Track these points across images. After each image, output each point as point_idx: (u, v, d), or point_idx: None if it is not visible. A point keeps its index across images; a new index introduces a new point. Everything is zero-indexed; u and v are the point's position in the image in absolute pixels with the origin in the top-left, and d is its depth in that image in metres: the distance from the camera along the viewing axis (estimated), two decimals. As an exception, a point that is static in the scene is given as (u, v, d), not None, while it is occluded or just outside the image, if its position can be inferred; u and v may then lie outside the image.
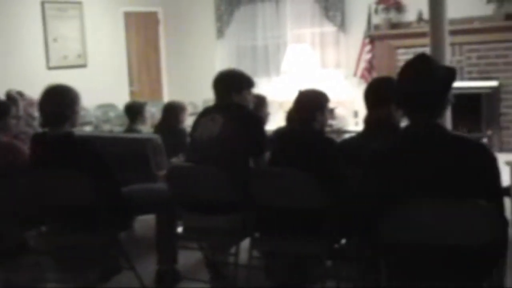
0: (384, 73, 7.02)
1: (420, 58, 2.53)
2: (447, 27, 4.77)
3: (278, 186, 3.17)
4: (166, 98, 8.88)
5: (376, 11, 8.24)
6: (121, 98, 8.16)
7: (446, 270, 2.41)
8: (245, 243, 3.47)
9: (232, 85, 3.77)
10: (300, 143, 3.34)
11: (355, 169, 2.74)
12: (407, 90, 2.48)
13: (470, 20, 7.61)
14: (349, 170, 2.91)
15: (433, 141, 2.43)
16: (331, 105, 8.50)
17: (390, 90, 2.71)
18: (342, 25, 8.64)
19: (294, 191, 3.12)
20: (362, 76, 8.18)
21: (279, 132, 3.60)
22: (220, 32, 9.59)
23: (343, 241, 3.23)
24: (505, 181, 4.50)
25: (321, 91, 3.67)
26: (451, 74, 2.55)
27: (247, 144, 3.57)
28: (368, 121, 3.14)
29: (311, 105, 3.48)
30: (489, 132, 7.56)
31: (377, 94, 3.10)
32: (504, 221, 2.45)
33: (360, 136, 3.17)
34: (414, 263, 2.45)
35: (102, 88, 8.36)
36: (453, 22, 7.28)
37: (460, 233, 2.37)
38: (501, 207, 2.46)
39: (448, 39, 4.78)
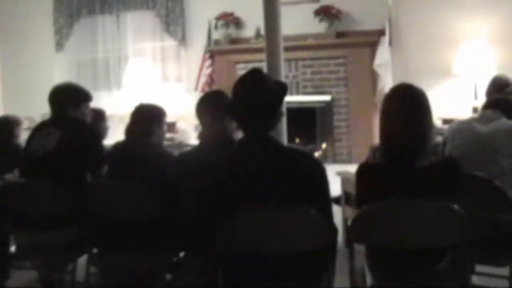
0: (224, 87, 7.12)
1: (253, 73, 2.60)
2: (282, 43, 4.94)
3: (115, 199, 3.12)
4: (2, 112, 8.39)
5: (216, 27, 8.36)
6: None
7: (279, 277, 2.48)
8: (83, 259, 3.36)
9: (69, 99, 3.70)
10: (137, 156, 3.31)
11: (192, 182, 2.76)
12: (241, 103, 2.54)
13: (304, 37, 7.94)
14: (187, 183, 2.91)
15: (265, 152, 2.50)
16: (172, 119, 8.50)
17: (223, 104, 2.76)
18: (183, 40, 8.67)
19: (131, 204, 3.08)
20: (203, 90, 8.23)
21: (117, 145, 3.53)
22: (59, 45, 9.25)
23: (182, 253, 3.22)
24: (336, 190, 4.78)
25: (158, 105, 3.67)
26: (282, 88, 2.64)
27: (84, 158, 3.49)
28: (202, 135, 3.16)
29: (148, 119, 3.46)
30: (323, 145, 7.93)
31: (210, 108, 3.13)
32: (333, 228, 2.57)
33: (196, 149, 3.19)
34: (249, 271, 2.50)
35: None
36: (288, 38, 7.54)
37: (291, 241, 2.46)
38: (329, 215, 2.58)
39: (283, 55, 4.94)
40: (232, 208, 2.41)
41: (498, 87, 4.71)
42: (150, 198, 3.02)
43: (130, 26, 9.03)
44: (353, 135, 7.64)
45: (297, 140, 7.97)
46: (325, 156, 7.93)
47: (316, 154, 8.00)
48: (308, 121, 8.00)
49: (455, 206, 2.44)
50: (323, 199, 2.56)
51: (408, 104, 2.54)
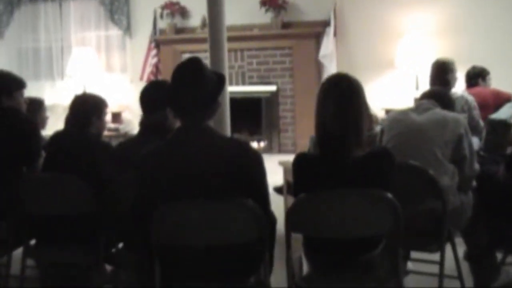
0: (169, 77, 7.07)
1: (191, 62, 2.59)
2: (226, 33, 4.92)
3: (50, 192, 3.06)
4: None
5: (161, 16, 8.29)
6: None
7: (216, 268, 2.49)
8: (19, 252, 3.30)
9: (1, 88, 3.58)
10: (73, 148, 3.26)
11: (129, 172, 2.74)
12: (178, 92, 2.52)
13: (250, 27, 7.96)
14: (123, 174, 2.88)
15: (202, 142, 2.49)
16: (118, 109, 8.40)
17: (165, 93, 2.74)
18: (127, 29, 8.57)
19: (67, 198, 3.03)
20: (148, 80, 8.18)
21: (53, 137, 3.46)
22: (-1, 34, 9.04)
23: (120, 245, 3.20)
24: (279, 180, 4.81)
25: (98, 96, 3.61)
26: (220, 79, 2.64)
27: (18, 150, 3.41)
28: (143, 124, 3.13)
29: (86, 110, 3.41)
30: (269, 136, 7.97)
31: (151, 97, 3.10)
32: (270, 219, 2.59)
33: (135, 139, 3.16)
34: (185, 264, 2.50)
35: None
36: (234, 28, 7.58)
37: (227, 232, 2.46)
38: (266, 205, 2.59)
39: (226, 45, 4.93)
40: (167, 199, 2.40)
41: (441, 70, 4.81)
42: (86, 191, 2.98)
43: (73, 14, 8.87)
44: (298, 126, 7.70)
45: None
46: (270, 146, 7.99)
47: (262, 144, 8.05)
48: (254, 111, 8.04)
49: (388, 195, 2.48)
50: (260, 190, 2.57)
51: (342, 94, 2.57)
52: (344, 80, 2.64)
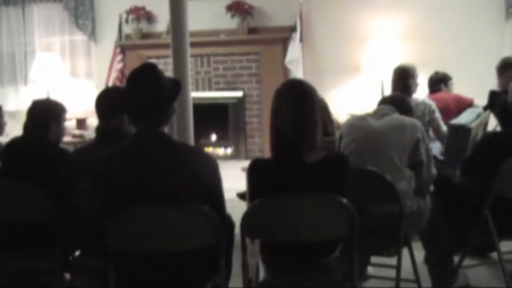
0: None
1: (145, 68, 2.61)
2: (188, 38, 4.95)
3: (7, 200, 3.05)
4: None
5: (127, 21, 8.28)
6: None
7: (173, 274, 2.51)
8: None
9: None
10: (31, 154, 3.26)
11: (85, 179, 2.74)
12: (132, 98, 2.55)
13: (217, 32, 7.98)
14: (80, 181, 2.89)
15: (157, 148, 2.52)
16: (82, 115, 8.34)
17: (121, 99, 2.76)
18: (92, 34, 8.54)
19: (24, 204, 3.03)
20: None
21: (10, 143, 3.45)
22: (-41, 38, 8.93)
23: (78, 252, 3.20)
24: (242, 186, 4.85)
25: (56, 101, 3.62)
26: (175, 85, 2.67)
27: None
28: (99, 130, 3.15)
29: (44, 116, 3.41)
30: (236, 142, 8.01)
31: (107, 103, 3.12)
32: (227, 224, 2.63)
33: (91, 145, 3.17)
34: (141, 270, 2.52)
35: None
36: (201, 34, 7.63)
37: (183, 237, 2.49)
38: (222, 210, 2.63)
39: (189, 50, 4.95)
40: (122, 206, 2.42)
41: (401, 76, 4.91)
42: (43, 198, 2.98)
43: (37, 19, 8.80)
44: (265, 131, 7.74)
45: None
46: (237, 152, 8.02)
47: (229, 150, 8.08)
48: (221, 117, 8.06)
49: (343, 200, 2.54)
50: (216, 195, 2.60)
51: (296, 99, 2.62)
52: (298, 85, 2.69)
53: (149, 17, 8.30)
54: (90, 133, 8.27)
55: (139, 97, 2.53)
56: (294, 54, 7.56)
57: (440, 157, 4.58)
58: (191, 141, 4.85)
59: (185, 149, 2.62)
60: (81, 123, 8.33)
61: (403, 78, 4.87)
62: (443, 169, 3.91)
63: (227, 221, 2.71)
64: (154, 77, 2.56)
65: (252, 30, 7.91)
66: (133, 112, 2.57)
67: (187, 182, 2.48)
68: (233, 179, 5.04)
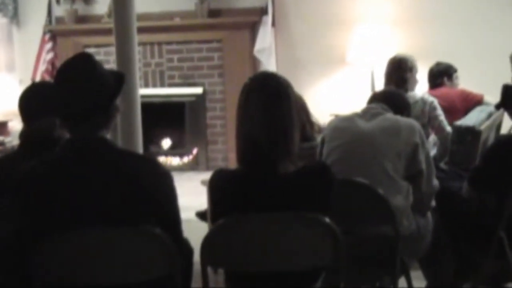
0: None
1: (79, 59, 2.59)
2: (135, 23, 4.93)
3: None
4: None
5: (58, 1, 8.22)
6: None
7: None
8: None
9: None
10: None
11: (5, 196, 2.71)
12: (64, 98, 2.53)
13: (170, 15, 7.98)
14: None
15: (97, 158, 2.50)
16: (3, 118, 8.25)
17: (51, 97, 2.73)
18: (14, 16, 8.45)
19: None
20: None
21: None
22: None
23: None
24: (203, 203, 4.84)
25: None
26: (118, 78, 2.65)
27: None
28: (24, 135, 3.10)
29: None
30: (194, 150, 8.00)
31: (33, 102, 3.08)
32: (182, 250, 2.61)
33: (14, 155, 3.12)
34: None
35: None
36: (150, 17, 7.62)
37: (130, 267, 2.47)
38: (178, 233, 2.62)
39: (136, 37, 4.93)
40: (50, 229, 2.39)
41: (398, 67, 4.96)
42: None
43: None
44: (230, 136, 7.74)
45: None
46: (196, 162, 8.01)
47: (186, 160, 8.06)
48: (176, 119, 8.05)
49: (326, 219, 2.54)
50: (170, 216, 2.59)
51: (268, 97, 2.62)
52: (271, 80, 2.69)
53: (86, -4, 8.28)
54: (12, 140, 8.18)
55: (71, 95, 2.51)
56: (265, 41, 7.58)
57: (443, 166, 4.63)
58: (139, 149, 4.83)
59: (131, 158, 2.60)
60: (1, 127, 8.24)
61: (399, 70, 4.93)
62: (447, 180, 3.95)
63: (184, 247, 2.69)
64: (89, 69, 2.54)
65: (213, 13, 7.93)
66: (66, 113, 2.54)
67: (133, 199, 2.46)
68: (192, 194, 5.04)
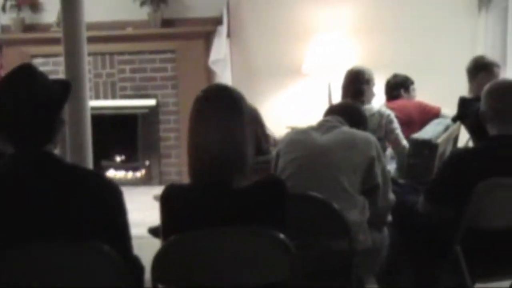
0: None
1: (20, 70, 2.57)
2: (85, 32, 4.91)
3: None
4: None
5: (3, 9, 8.14)
6: None
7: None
8: None
9: None
10: None
11: None
12: (6, 111, 2.50)
13: (122, 25, 7.94)
14: None
15: (42, 173, 2.48)
16: None
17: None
18: (-44, 24, 8.36)
19: None
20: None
21: None
22: None
23: None
24: (156, 219, 4.82)
25: None
26: (64, 88, 2.63)
27: None
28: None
29: None
30: (147, 164, 7.97)
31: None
32: (132, 268, 2.60)
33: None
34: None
35: None
36: (101, 26, 7.57)
37: (79, 286, 2.46)
38: (128, 251, 2.61)
39: (85, 47, 4.91)
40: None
41: (354, 80, 5.02)
42: None
43: None
44: (184, 149, 7.68)
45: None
46: (149, 176, 7.97)
47: (138, 174, 8.02)
48: (128, 132, 8.01)
49: (280, 235, 2.55)
50: (119, 232, 2.58)
51: (221, 110, 2.63)
52: (223, 92, 2.71)
53: (34, 4, 8.20)
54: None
55: (13, 108, 2.48)
56: (220, 52, 7.59)
57: (400, 180, 4.67)
58: (89, 163, 4.80)
59: (77, 173, 2.58)
60: None
61: (356, 82, 4.98)
62: (403, 194, 3.99)
63: (134, 264, 2.68)
64: (30, 81, 2.52)
65: (167, 22, 7.92)
66: (8, 127, 2.52)
67: (80, 215, 2.45)
68: (144, 210, 5.01)
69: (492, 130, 3.48)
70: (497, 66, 5.15)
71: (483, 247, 3.45)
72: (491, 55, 5.97)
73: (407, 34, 7.37)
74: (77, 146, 4.74)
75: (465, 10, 7.35)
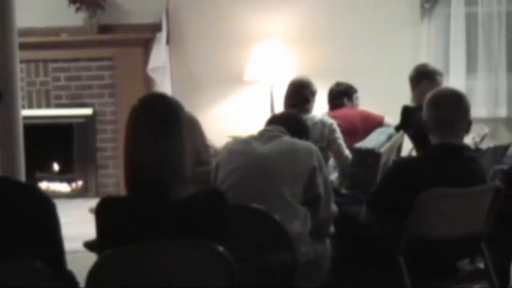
0: None
1: None
2: (17, 39, 4.85)
3: None
4: None
5: None
6: None
7: None
8: None
9: None
10: None
11: None
12: None
13: (57, 31, 7.86)
14: None
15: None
16: None
17: None
18: None
19: None
20: None
21: None
22: None
23: None
24: (93, 233, 4.78)
25: None
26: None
27: None
28: None
29: None
30: (84, 175, 7.88)
31: None
32: (66, 283, 2.57)
33: None
34: None
35: None
36: (34, 32, 7.48)
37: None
38: (61, 266, 2.58)
39: (18, 54, 4.85)
40: None
41: (297, 89, 5.06)
42: None
43: None
44: (122, 160, 7.63)
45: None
46: (86, 188, 7.89)
47: (74, 185, 7.94)
48: (63, 142, 7.95)
49: (219, 248, 2.55)
50: (52, 246, 2.55)
51: (158, 120, 2.63)
52: (160, 101, 2.70)
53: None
54: None
55: None
56: (160, 60, 7.58)
57: (343, 190, 4.72)
58: (22, 175, 4.74)
59: (7, 185, 2.54)
60: None
61: (300, 91, 5.01)
62: (346, 205, 4.02)
63: (68, 279, 2.65)
64: None
65: (103, 29, 7.87)
66: None
67: (10, 229, 2.41)
68: (80, 223, 4.95)
69: (434, 139, 3.53)
70: (440, 74, 5.25)
71: (426, 257, 3.50)
72: (434, 63, 6.08)
73: (350, 42, 7.47)
74: (8, 157, 4.68)
75: (408, 18, 7.47)
